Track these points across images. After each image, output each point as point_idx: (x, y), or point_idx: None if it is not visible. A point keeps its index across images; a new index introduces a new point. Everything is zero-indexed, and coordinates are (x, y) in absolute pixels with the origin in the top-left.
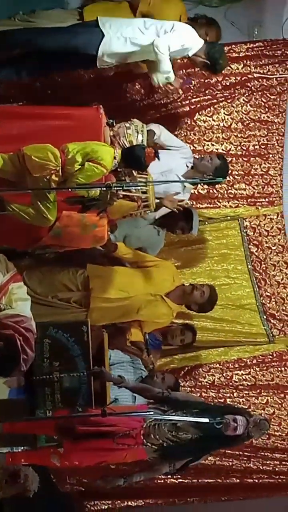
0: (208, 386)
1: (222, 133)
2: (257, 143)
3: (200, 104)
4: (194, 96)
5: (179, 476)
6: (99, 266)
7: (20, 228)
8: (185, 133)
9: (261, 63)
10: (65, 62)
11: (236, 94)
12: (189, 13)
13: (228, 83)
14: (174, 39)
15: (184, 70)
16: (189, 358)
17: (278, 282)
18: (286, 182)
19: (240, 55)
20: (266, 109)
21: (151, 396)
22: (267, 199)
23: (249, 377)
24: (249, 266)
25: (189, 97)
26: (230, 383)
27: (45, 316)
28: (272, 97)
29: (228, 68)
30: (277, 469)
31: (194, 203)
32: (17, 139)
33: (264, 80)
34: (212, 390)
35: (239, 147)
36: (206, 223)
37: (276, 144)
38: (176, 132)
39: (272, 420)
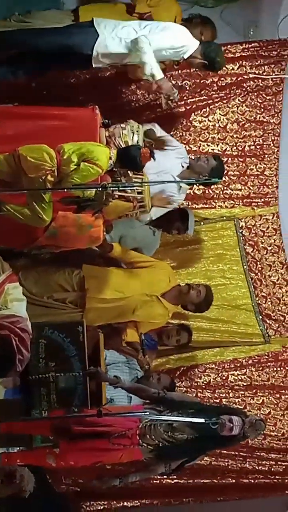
0: (203, 387)
1: (217, 134)
2: (252, 143)
3: (195, 104)
4: (190, 97)
5: (174, 477)
6: (95, 267)
7: (15, 228)
8: (180, 134)
9: (256, 63)
10: (61, 63)
11: (232, 95)
12: (184, 14)
13: (223, 84)
14: (163, 39)
15: (180, 71)
16: (184, 359)
17: (273, 282)
18: (282, 183)
19: (236, 56)
20: (262, 110)
21: (146, 397)
22: (262, 200)
23: (244, 378)
24: (245, 267)
25: (185, 98)
26: (226, 384)
27: (41, 316)
28: (268, 97)
29: (224, 68)
30: (272, 469)
31: (190, 203)
32: (12, 140)
33: (260, 80)
34: (207, 391)
35: (235, 148)
36: (202, 223)
37: (271, 144)
38: (171, 133)
39: (268, 420)
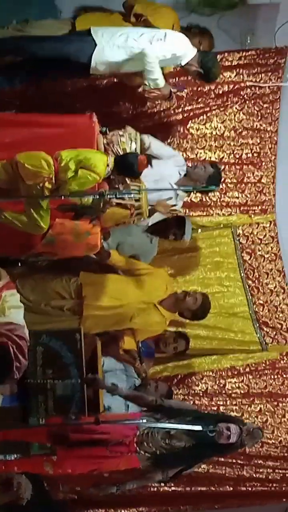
0: (201, 394)
1: (215, 141)
2: (250, 151)
3: (193, 112)
4: (187, 104)
5: (172, 484)
6: (92, 274)
7: (13, 235)
8: (178, 141)
9: (253, 71)
10: (58, 70)
11: (229, 103)
12: (181, 21)
13: (221, 92)
14: (165, 47)
15: (177, 78)
16: (182, 366)
17: (271, 290)
18: (279, 190)
19: (233, 64)
20: (259, 117)
21: (144, 404)
22: (260, 207)
23: (242, 385)
24: (242, 274)
25: (182, 105)
26: (223, 391)
27: (38, 324)
28: (265, 105)
29: (221, 76)
30: (270, 477)
31: (187, 211)
32: (10, 147)
33: (257, 88)
34: (205, 398)
35: (232, 155)
36: (199, 231)
37: (269, 152)
38: (169, 140)
39: (265, 428)
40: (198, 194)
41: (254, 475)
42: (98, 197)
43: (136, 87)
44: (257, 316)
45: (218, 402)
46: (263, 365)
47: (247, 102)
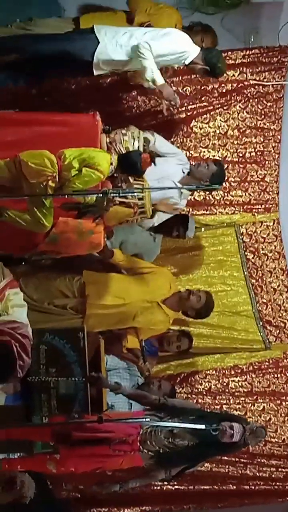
0: (204, 393)
1: (218, 140)
2: (253, 150)
3: (196, 111)
4: (191, 103)
5: (175, 483)
6: (95, 273)
7: (16, 234)
8: (181, 140)
9: (257, 70)
10: (61, 69)
11: (233, 101)
12: (185, 20)
13: (224, 90)
14: (165, 45)
15: (180, 77)
16: (185, 365)
17: (274, 288)
18: (282, 189)
19: (237, 62)
20: (262, 116)
21: (147, 403)
22: (263, 206)
23: (245, 384)
24: (246, 273)
25: (186, 104)
26: (227, 390)
27: (42, 322)
28: (268, 104)
29: (224, 75)
30: (273, 475)
31: (191, 209)
32: (13, 145)
33: (260, 87)
34: (208, 397)
35: (236, 154)
36: (203, 229)
37: (272, 151)
38: (172, 139)
39: (269, 426)
40: (202, 193)
41: (258, 474)
42: (101, 195)
43: (139, 86)
44: (261, 314)
45: (221, 401)
46: (267, 363)
47: (251, 100)
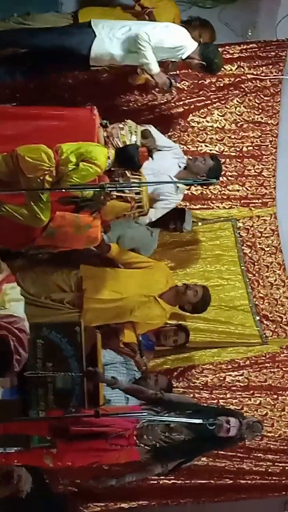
0: (201, 387)
1: (215, 134)
2: (250, 144)
3: (193, 105)
4: (188, 97)
5: (172, 477)
6: (93, 267)
7: (13, 228)
8: (178, 134)
9: (254, 64)
10: (59, 63)
11: (230, 95)
12: (183, 14)
13: (221, 84)
14: (163, 36)
15: (178, 71)
16: (182, 359)
17: (271, 283)
18: (280, 183)
19: (234, 56)
20: (260, 111)
21: (144, 398)
22: (260, 200)
23: (242, 378)
24: (243, 267)
25: (183, 98)
26: (223, 384)
27: (39, 317)
28: (266, 98)
29: (222, 69)
30: (270, 470)
31: (188, 204)
32: (10, 140)
33: (258, 81)
34: (205, 391)
35: (233, 148)
36: (200, 224)
37: (269, 145)
38: (169, 133)
39: (265, 421)
40: (199, 187)
41: (254, 468)
42: (98, 190)
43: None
44: (257, 309)
45: (218, 395)
46: (263, 358)
47: (248, 95)
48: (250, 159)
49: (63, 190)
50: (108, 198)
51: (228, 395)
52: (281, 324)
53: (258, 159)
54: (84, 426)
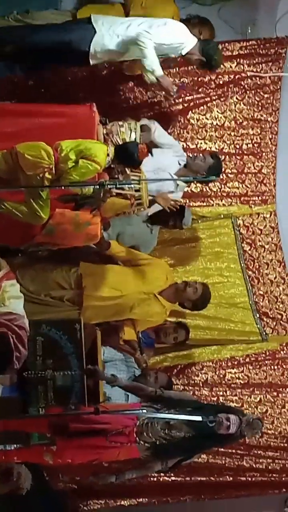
0: (201, 385)
1: (215, 132)
2: (250, 141)
3: (193, 102)
4: (188, 94)
5: (172, 474)
6: (92, 264)
7: (13, 225)
8: (178, 131)
9: (254, 61)
10: (58, 60)
11: (230, 93)
12: (182, 12)
13: (221, 82)
14: (163, 34)
15: (177, 68)
16: (182, 356)
17: (271, 280)
18: (279, 181)
19: (234, 54)
20: (260, 108)
21: (144, 395)
22: (260, 198)
23: (242, 376)
24: (242, 265)
25: (183, 95)
26: (223, 382)
27: (38, 314)
28: (266, 95)
29: (222, 66)
30: (270, 467)
31: (187, 201)
32: (10, 137)
33: (258, 78)
34: (205, 389)
35: (232, 146)
36: (199, 221)
37: (269, 142)
38: (169, 130)
39: (265, 418)
40: (199, 184)
41: (254, 465)
42: (98, 187)
43: (135, 76)
44: (257, 306)
45: (218, 393)
46: (263, 355)
47: (248, 92)
48: (250, 156)
49: (63, 188)
50: (108, 195)
51: (228, 393)
52: (281, 322)
53: (257, 157)
54: (84, 423)
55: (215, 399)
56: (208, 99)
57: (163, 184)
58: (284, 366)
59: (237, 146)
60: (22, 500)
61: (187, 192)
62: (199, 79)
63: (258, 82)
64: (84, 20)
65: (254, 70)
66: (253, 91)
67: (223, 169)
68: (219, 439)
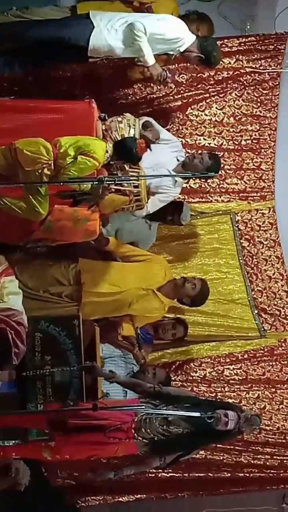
0: (199, 381)
1: (214, 128)
2: (249, 137)
3: (192, 98)
4: (186, 91)
5: (170, 470)
6: (91, 260)
7: (11, 221)
8: (177, 127)
9: (253, 57)
10: (57, 55)
11: (228, 89)
12: (182, 7)
13: (220, 78)
14: (160, 27)
15: (176, 65)
16: (180, 353)
17: (269, 276)
18: (278, 177)
19: (233, 50)
20: (258, 104)
21: (142, 391)
22: (259, 194)
23: (240, 372)
24: (241, 261)
25: (181, 91)
26: (222, 378)
27: (37, 310)
28: (264, 91)
29: (221, 62)
30: (268, 463)
31: (186, 197)
32: (9, 133)
33: (257, 74)
34: (203, 385)
35: (231, 142)
36: (198, 217)
37: (268, 138)
38: (168, 126)
39: (263, 414)
40: (197, 180)
41: (252, 462)
42: (97, 183)
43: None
44: (256, 302)
45: (216, 389)
46: (261, 351)
47: (247, 88)
48: (249, 152)
49: (61, 184)
50: (107, 191)
51: (226, 389)
52: (279, 318)
53: (256, 153)
54: (82, 419)
55: (213, 395)
56: (207, 95)
57: (161, 180)
58: (282, 362)
59: (236, 142)
60: (20, 496)
61: (186, 188)
62: (198, 75)
63: (257, 78)
64: (82, 15)
65: (253, 66)
66: (252, 87)
67: (222, 165)
68: (217, 435)
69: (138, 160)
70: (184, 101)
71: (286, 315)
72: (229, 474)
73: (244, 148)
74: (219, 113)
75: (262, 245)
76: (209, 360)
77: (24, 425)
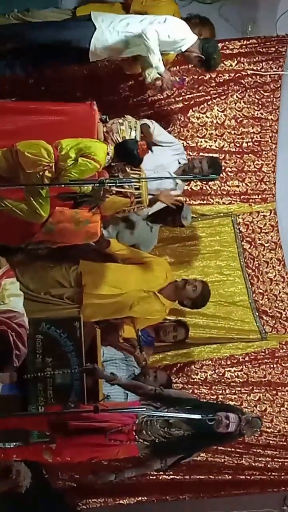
0: (200, 383)
1: (215, 130)
2: (250, 140)
3: (193, 100)
4: (188, 93)
5: (171, 473)
6: (92, 262)
7: (13, 224)
8: (178, 130)
9: (254, 60)
10: (59, 57)
11: (230, 91)
12: (183, 10)
13: (221, 80)
14: (164, 30)
15: (177, 67)
16: (181, 355)
17: (270, 279)
18: (279, 179)
19: (234, 52)
20: (260, 106)
21: (143, 393)
22: (260, 196)
23: (241, 374)
24: (242, 263)
25: (183, 94)
26: (223, 380)
27: (38, 312)
28: (266, 94)
29: (222, 65)
30: (269, 465)
31: (187, 199)
32: (10, 135)
33: (258, 77)
34: (204, 387)
35: (233, 144)
36: (199, 219)
37: (269, 141)
38: (169, 129)
39: (264, 417)
40: (198, 183)
41: (253, 464)
42: (98, 185)
43: (136, 75)
44: (257, 305)
45: (217, 391)
46: (263, 354)
47: (248, 90)
48: (250, 154)
49: (63, 186)
50: (108, 193)
51: (227, 391)
52: (280, 320)
53: (258, 155)
54: (83, 421)
55: (214, 397)
56: (209, 97)
57: (162, 182)
58: (283, 365)
59: (237, 145)
60: (21, 498)
61: (187, 190)
62: (200, 77)
63: (259, 81)
64: (84, 17)
65: (255, 68)
66: (253, 90)
67: (223, 168)
68: (218, 438)
69: (139, 162)
70: (186, 103)
71: (287, 317)
72: (230, 477)
73: (245, 150)
74: (221, 115)
75: (263, 247)
76: (210, 362)
77: (25, 427)
